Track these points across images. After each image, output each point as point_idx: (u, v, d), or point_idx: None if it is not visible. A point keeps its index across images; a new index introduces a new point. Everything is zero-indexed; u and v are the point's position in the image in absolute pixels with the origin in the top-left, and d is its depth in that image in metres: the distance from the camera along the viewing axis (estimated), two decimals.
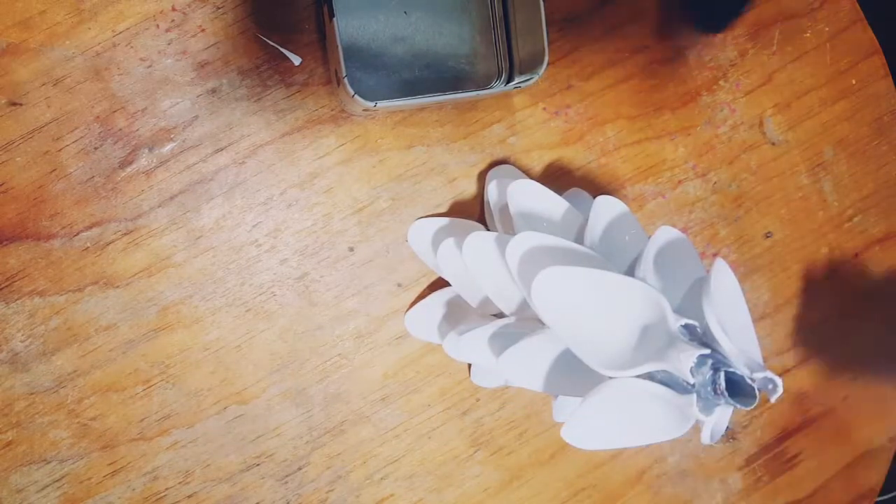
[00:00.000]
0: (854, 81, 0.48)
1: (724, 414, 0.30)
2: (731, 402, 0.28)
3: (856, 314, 0.50)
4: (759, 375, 0.28)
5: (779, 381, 0.28)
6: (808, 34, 0.47)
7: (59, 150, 0.39)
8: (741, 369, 0.28)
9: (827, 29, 0.47)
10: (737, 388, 0.29)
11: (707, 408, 0.29)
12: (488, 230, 0.42)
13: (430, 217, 0.43)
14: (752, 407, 0.28)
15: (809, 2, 0.47)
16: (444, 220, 0.43)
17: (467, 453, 0.45)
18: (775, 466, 0.49)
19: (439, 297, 0.43)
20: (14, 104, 0.39)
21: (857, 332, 0.50)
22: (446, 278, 0.40)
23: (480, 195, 0.44)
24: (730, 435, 0.49)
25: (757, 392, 0.28)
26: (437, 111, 0.43)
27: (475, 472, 0.45)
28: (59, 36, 0.38)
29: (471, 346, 0.37)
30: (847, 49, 0.48)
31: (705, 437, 0.29)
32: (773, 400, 0.28)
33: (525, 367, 0.34)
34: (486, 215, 0.43)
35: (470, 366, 0.45)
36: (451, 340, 0.41)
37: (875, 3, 0.51)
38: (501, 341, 0.37)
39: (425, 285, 0.44)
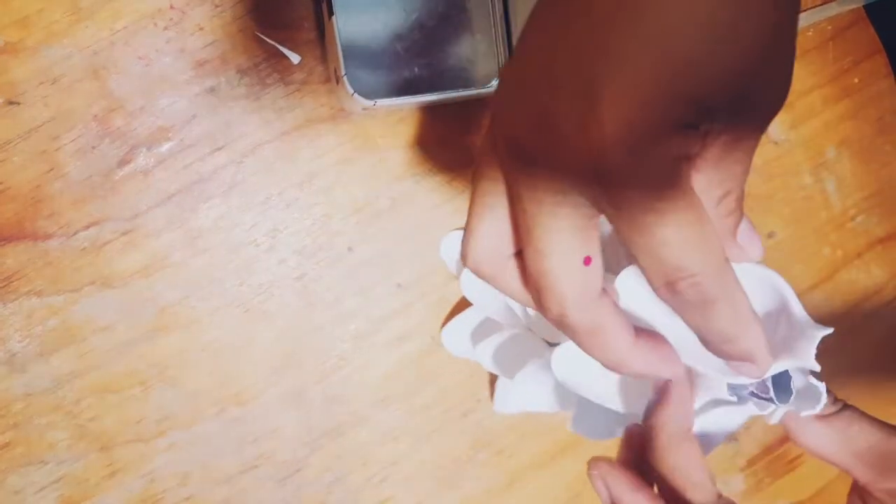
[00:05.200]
0: (856, 80, 0.48)
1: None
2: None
3: (858, 314, 0.50)
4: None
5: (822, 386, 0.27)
6: (809, 32, 0.47)
7: (57, 150, 0.39)
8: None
9: (829, 27, 0.47)
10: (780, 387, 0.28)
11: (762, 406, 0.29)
12: None
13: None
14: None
15: (811, 1, 0.46)
16: None
17: (467, 455, 0.45)
18: (777, 468, 0.49)
19: (477, 313, 0.42)
20: (11, 103, 0.38)
21: (859, 332, 0.50)
22: (471, 301, 0.40)
23: None
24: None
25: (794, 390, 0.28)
26: (437, 110, 0.43)
27: (475, 474, 0.45)
28: (57, 34, 0.38)
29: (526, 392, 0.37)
30: (849, 48, 0.47)
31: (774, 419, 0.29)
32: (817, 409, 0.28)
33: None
34: None
35: (492, 390, 0.44)
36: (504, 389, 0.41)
37: (876, 2, 0.51)
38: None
39: (425, 286, 0.43)
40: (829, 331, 0.26)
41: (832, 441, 0.28)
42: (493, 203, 0.25)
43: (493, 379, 0.45)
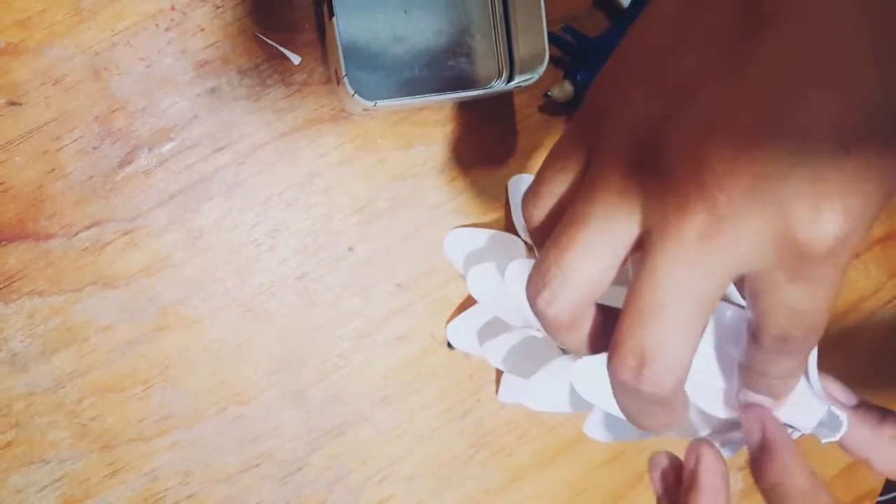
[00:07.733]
0: None
1: None
2: None
3: (857, 314, 0.50)
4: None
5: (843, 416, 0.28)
6: None
7: (59, 150, 0.39)
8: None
9: None
10: None
11: None
12: (523, 240, 0.42)
13: (467, 227, 0.43)
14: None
15: None
16: (482, 236, 0.42)
17: (468, 454, 0.45)
18: None
19: (484, 311, 0.42)
20: (13, 104, 0.38)
21: (858, 332, 0.50)
22: (478, 300, 0.40)
23: (480, 194, 0.44)
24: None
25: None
26: (437, 110, 0.43)
27: (476, 473, 0.45)
28: (59, 35, 0.38)
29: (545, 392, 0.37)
30: None
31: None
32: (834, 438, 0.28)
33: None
34: (517, 225, 0.43)
35: (497, 381, 0.44)
36: (510, 382, 0.41)
37: None
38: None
39: (425, 286, 0.43)
40: (842, 415, 0.28)
41: None
42: (616, 240, 0.21)
43: (497, 376, 0.45)
